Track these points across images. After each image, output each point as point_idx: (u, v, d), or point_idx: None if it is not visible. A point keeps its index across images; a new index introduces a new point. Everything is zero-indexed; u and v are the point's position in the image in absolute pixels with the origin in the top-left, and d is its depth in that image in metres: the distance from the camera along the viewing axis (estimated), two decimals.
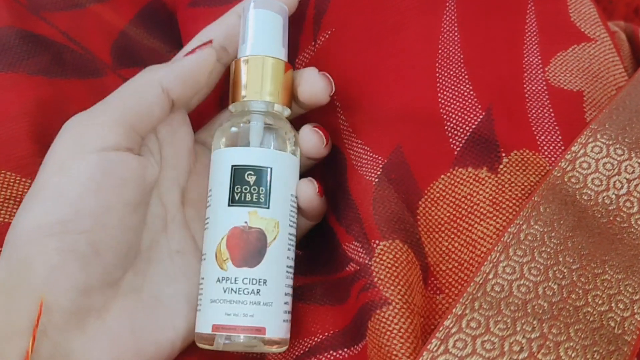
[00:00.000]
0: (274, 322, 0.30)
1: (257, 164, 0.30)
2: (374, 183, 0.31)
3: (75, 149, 0.28)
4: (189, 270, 0.31)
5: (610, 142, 0.31)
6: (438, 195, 0.31)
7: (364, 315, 0.29)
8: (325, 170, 0.35)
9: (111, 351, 0.27)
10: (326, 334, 0.31)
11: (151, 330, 0.29)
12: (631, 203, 0.30)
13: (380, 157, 0.32)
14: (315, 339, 0.31)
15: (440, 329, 0.27)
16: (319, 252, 0.34)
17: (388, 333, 0.27)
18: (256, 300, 0.29)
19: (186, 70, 0.31)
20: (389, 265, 0.29)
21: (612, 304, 0.27)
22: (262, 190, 0.30)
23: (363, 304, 0.29)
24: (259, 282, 0.29)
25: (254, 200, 0.30)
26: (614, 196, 0.30)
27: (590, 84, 0.35)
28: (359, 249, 0.31)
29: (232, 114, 0.32)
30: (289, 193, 0.31)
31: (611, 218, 0.30)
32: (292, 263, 0.31)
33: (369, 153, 0.33)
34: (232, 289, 0.29)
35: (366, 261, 0.30)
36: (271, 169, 0.30)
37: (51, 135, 0.29)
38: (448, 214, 0.31)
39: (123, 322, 0.28)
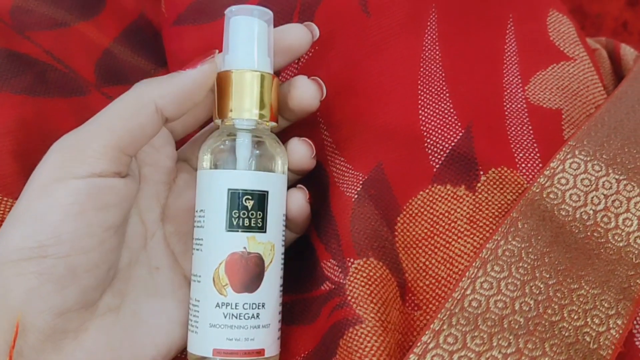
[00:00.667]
0: (272, 342, 0.30)
1: (254, 188, 0.30)
2: (353, 199, 0.32)
3: (61, 173, 0.27)
4: (169, 286, 0.31)
5: (588, 159, 0.32)
6: (416, 211, 0.32)
7: (336, 333, 0.29)
8: (308, 186, 0.35)
9: None
10: (302, 355, 0.31)
11: (130, 347, 0.29)
12: (608, 218, 0.31)
13: (360, 174, 0.33)
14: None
15: (418, 344, 0.27)
16: (299, 269, 0.34)
17: (360, 351, 0.27)
18: (256, 324, 0.29)
19: (184, 88, 0.29)
20: (363, 284, 0.29)
21: (588, 319, 0.27)
22: (259, 214, 0.30)
23: (335, 322, 0.29)
24: (258, 306, 0.30)
25: (252, 225, 0.30)
26: (591, 212, 0.31)
27: (569, 102, 0.35)
28: (335, 267, 0.31)
29: (218, 129, 0.32)
30: (282, 213, 0.31)
31: (589, 233, 0.30)
32: (282, 281, 0.31)
33: (350, 170, 0.33)
34: (232, 315, 0.29)
35: (341, 280, 0.30)
36: (268, 192, 0.30)
37: (32, 155, 0.29)
38: (426, 231, 0.31)
39: (100, 342, 0.28)
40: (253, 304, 0.29)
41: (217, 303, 0.29)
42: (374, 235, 0.31)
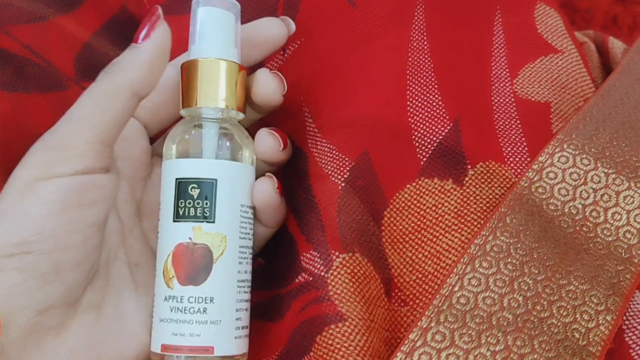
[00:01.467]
0: (224, 340, 0.28)
1: (200, 176, 0.29)
2: (340, 187, 0.31)
3: (45, 172, 0.26)
4: (149, 282, 0.30)
5: (577, 152, 0.31)
6: (403, 205, 0.31)
7: (311, 329, 0.28)
8: (285, 173, 0.34)
9: None
10: (276, 353, 0.30)
11: (113, 344, 0.28)
12: (597, 213, 0.30)
13: (347, 158, 0.32)
14: (275, 355, 0.31)
15: (406, 342, 0.26)
16: (277, 264, 0.33)
17: (343, 349, 0.27)
18: (203, 319, 0.28)
19: (150, 63, 0.28)
20: (347, 280, 0.28)
21: (577, 315, 0.27)
22: (206, 203, 0.29)
23: (311, 317, 0.28)
24: (205, 300, 0.28)
25: (198, 214, 0.29)
26: (580, 206, 0.30)
27: (558, 95, 0.35)
28: (315, 259, 0.30)
29: (183, 119, 0.31)
30: (239, 204, 0.30)
31: (577, 228, 0.30)
32: (246, 277, 0.30)
33: (334, 152, 0.32)
34: (178, 308, 0.28)
35: (322, 273, 0.29)
36: (216, 180, 0.29)
37: (10, 151, 0.28)
38: (413, 225, 0.31)
39: (82, 338, 0.28)
40: (199, 297, 0.28)
41: (165, 296, 0.29)
42: (360, 229, 0.30)
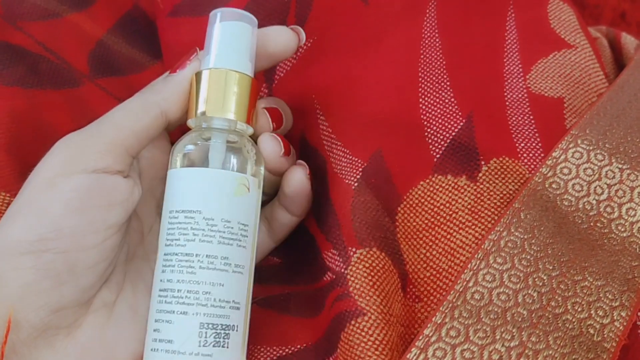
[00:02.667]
0: (146, 351, 0.28)
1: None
2: (353, 187, 0.31)
3: (66, 168, 0.27)
4: None
5: (591, 148, 0.31)
6: (417, 201, 0.31)
7: (338, 325, 0.28)
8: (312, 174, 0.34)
9: None
10: (298, 346, 0.31)
11: (126, 342, 0.28)
12: (612, 208, 0.30)
13: (359, 160, 0.32)
14: (286, 349, 0.31)
15: (420, 337, 0.26)
16: (300, 261, 0.33)
17: (362, 344, 0.27)
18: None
19: (181, 88, 0.30)
20: (365, 275, 0.28)
21: (592, 311, 0.27)
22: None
23: (336, 315, 0.29)
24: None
25: None
26: (594, 202, 0.30)
27: (571, 91, 0.35)
28: (336, 257, 0.30)
29: (191, 130, 0.30)
30: (168, 210, 0.29)
31: (592, 224, 0.30)
32: (171, 285, 0.28)
33: (348, 156, 0.32)
34: None
35: (342, 270, 0.29)
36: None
37: (25, 147, 0.28)
38: (427, 222, 0.31)
39: (94, 337, 0.28)
40: None
41: None
42: (375, 225, 0.30)
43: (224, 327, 0.27)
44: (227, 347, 0.27)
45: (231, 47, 0.30)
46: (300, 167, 0.31)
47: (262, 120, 0.31)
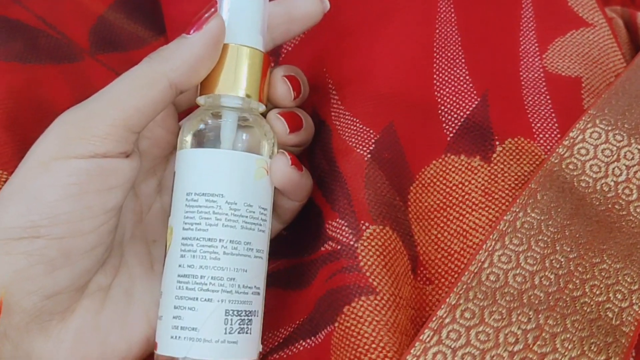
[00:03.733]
0: (163, 338, 0.27)
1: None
2: (366, 159, 0.30)
3: (63, 151, 0.25)
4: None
5: (610, 128, 0.31)
6: (429, 181, 0.30)
7: (340, 298, 0.27)
8: (310, 147, 0.33)
9: (75, 351, 0.26)
10: (297, 322, 0.30)
11: (121, 327, 0.28)
12: (630, 190, 0.29)
13: (372, 131, 0.31)
14: (289, 328, 0.30)
15: (434, 319, 0.26)
16: (301, 233, 0.32)
17: (375, 323, 0.26)
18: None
19: (195, 56, 0.26)
20: (378, 252, 0.27)
21: (610, 295, 0.26)
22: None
23: (338, 287, 0.28)
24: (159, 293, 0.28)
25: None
26: (612, 183, 0.29)
27: (589, 70, 0.34)
28: (343, 227, 0.29)
29: (201, 108, 0.29)
30: (185, 192, 0.27)
31: (609, 206, 0.29)
32: (192, 272, 0.27)
33: (357, 124, 0.31)
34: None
35: (351, 242, 0.28)
36: (174, 172, 0.28)
37: (23, 124, 0.27)
38: (439, 202, 0.30)
39: (87, 322, 0.27)
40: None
41: None
42: (388, 203, 0.29)
43: (247, 313, 0.27)
44: (250, 333, 0.27)
45: (242, 20, 0.28)
46: (280, 155, 0.29)
47: (283, 89, 0.29)
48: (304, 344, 0.29)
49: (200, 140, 0.28)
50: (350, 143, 0.31)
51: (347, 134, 0.31)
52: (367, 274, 0.27)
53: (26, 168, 0.25)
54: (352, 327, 0.26)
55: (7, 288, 0.24)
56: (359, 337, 0.26)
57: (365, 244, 0.28)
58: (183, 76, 0.26)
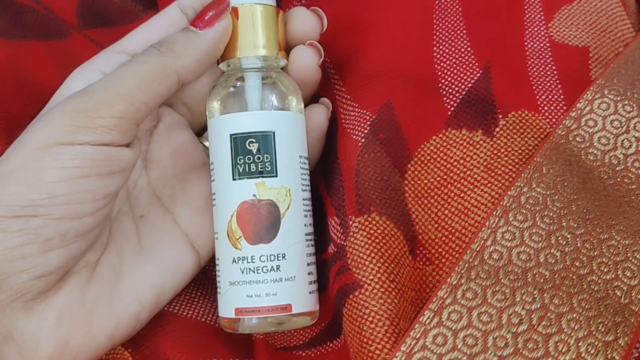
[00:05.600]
0: (300, 297, 0.28)
1: (257, 129, 0.27)
2: (360, 144, 0.29)
3: (67, 137, 0.25)
4: (155, 234, 0.29)
5: (619, 99, 0.29)
6: (429, 157, 0.29)
7: (339, 301, 0.27)
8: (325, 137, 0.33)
9: (59, 328, 0.26)
10: (324, 324, 0.30)
11: (107, 303, 0.27)
12: None
13: (368, 113, 0.30)
14: (316, 330, 0.30)
15: (434, 300, 0.25)
16: (315, 226, 0.32)
17: (359, 318, 0.25)
18: (277, 277, 0.27)
19: (204, 53, 0.27)
20: (363, 244, 0.27)
21: (619, 272, 0.25)
22: (267, 157, 0.27)
23: (338, 289, 0.27)
24: (278, 257, 0.27)
25: (260, 169, 0.27)
26: (621, 156, 0.28)
27: (597, 39, 0.32)
28: (337, 227, 0.28)
29: (224, 73, 0.29)
30: (297, 155, 0.28)
31: (619, 179, 0.28)
32: (311, 229, 0.29)
33: (357, 109, 0.30)
34: (249, 269, 0.27)
35: (342, 242, 0.28)
36: (274, 132, 0.27)
37: (7, 100, 0.26)
38: (439, 179, 0.29)
39: (72, 299, 0.26)
40: (271, 255, 0.27)
41: (234, 258, 0.27)
42: (379, 186, 0.28)
43: None
44: None
45: None
46: (322, 106, 0.30)
47: (313, 21, 0.30)
48: (331, 345, 0.29)
49: (229, 105, 0.28)
50: (349, 130, 0.30)
51: (347, 121, 0.31)
52: (354, 269, 0.26)
53: (26, 150, 0.25)
54: (350, 327, 0.26)
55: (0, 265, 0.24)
56: (359, 333, 0.25)
57: (352, 239, 0.27)
58: (192, 73, 0.27)
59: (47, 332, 0.25)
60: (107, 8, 0.37)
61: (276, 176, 0.27)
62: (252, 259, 0.27)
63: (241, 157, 0.27)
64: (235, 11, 0.28)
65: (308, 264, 0.28)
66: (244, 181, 0.27)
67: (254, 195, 0.27)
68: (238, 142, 0.27)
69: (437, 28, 0.32)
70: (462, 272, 0.25)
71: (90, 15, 0.36)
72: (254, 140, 0.27)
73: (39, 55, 0.33)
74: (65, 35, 0.35)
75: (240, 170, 0.27)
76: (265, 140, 0.27)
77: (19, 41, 0.33)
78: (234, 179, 0.27)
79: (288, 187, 0.28)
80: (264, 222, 0.27)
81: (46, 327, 0.25)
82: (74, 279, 0.26)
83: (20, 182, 0.24)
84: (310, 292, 0.28)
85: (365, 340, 0.25)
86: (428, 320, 0.24)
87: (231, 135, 0.27)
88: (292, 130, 0.28)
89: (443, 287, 0.25)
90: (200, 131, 0.32)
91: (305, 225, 0.28)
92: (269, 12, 0.28)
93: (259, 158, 0.27)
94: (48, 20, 0.35)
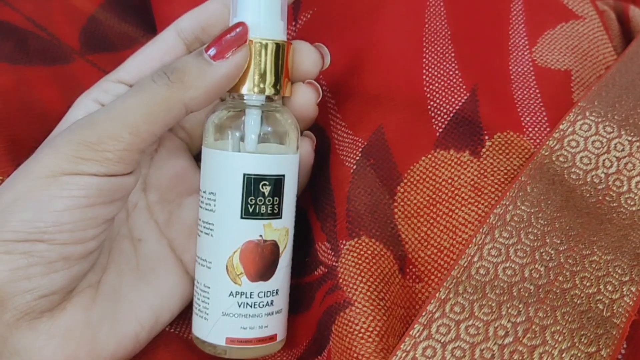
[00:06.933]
0: (283, 326, 0.30)
1: (271, 173, 0.28)
2: (351, 170, 0.30)
3: (74, 168, 0.25)
4: (153, 258, 0.30)
5: (600, 120, 0.30)
6: (418, 178, 0.30)
7: (328, 319, 0.28)
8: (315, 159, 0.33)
9: (65, 347, 0.26)
10: (304, 344, 0.30)
11: (110, 324, 0.28)
12: (621, 182, 0.29)
13: (360, 139, 0.31)
14: (300, 349, 0.31)
15: (423, 314, 0.26)
16: (298, 253, 0.32)
17: (349, 335, 0.26)
18: (270, 311, 0.29)
19: (215, 86, 0.26)
20: (353, 264, 0.28)
21: (601, 286, 0.26)
22: (276, 200, 0.28)
23: (327, 308, 0.28)
24: (273, 293, 0.29)
25: (269, 212, 0.28)
26: (603, 175, 0.29)
27: (579, 63, 0.34)
28: (328, 251, 0.29)
29: (225, 104, 0.29)
30: (295, 195, 0.29)
31: (600, 198, 0.29)
32: (291, 263, 0.30)
33: (350, 136, 0.31)
34: (247, 304, 0.28)
35: (334, 263, 0.29)
36: (284, 176, 0.28)
37: (12, 125, 0.27)
38: (428, 199, 0.30)
39: (77, 319, 0.27)
40: (268, 291, 0.28)
41: (231, 292, 0.28)
42: (370, 210, 0.29)
43: None
44: None
45: (262, 8, 0.27)
46: (307, 139, 0.30)
47: (314, 57, 0.29)
48: None
49: (226, 138, 0.28)
50: (342, 157, 0.31)
51: (341, 147, 0.32)
52: (345, 288, 0.27)
53: (32, 179, 0.25)
54: (339, 345, 0.27)
55: (3, 285, 0.25)
56: (347, 350, 0.26)
57: (344, 260, 0.28)
58: (199, 105, 0.27)
59: (54, 350, 0.26)
60: (109, 33, 0.38)
61: (281, 218, 0.28)
62: (250, 295, 0.28)
63: (252, 197, 0.28)
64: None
65: (287, 295, 0.30)
66: (252, 221, 0.28)
67: (261, 235, 0.28)
68: (252, 183, 0.27)
69: (427, 51, 0.33)
70: (450, 287, 0.26)
71: (92, 41, 0.37)
72: (267, 183, 0.28)
73: (43, 80, 0.34)
74: (69, 60, 0.36)
75: (250, 210, 0.28)
76: (277, 183, 0.28)
77: (23, 66, 0.34)
78: (242, 217, 0.28)
79: (287, 227, 0.29)
80: (266, 262, 0.28)
81: (53, 345, 0.26)
82: (78, 298, 0.27)
83: (28, 209, 0.25)
84: (286, 320, 0.30)
85: (355, 355, 0.26)
86: (418, 334, 0.25)
87: (245, 175, 0.27)
88: (295, 172, 0.29)
89: (432, 301, 0.26)
90: (198, 155, 0.33)
91: (291, 260, 0.30)
92: (279, 49, 0.28)
93: (269, 200, 0.28)
94: (52, 46, 0.36)
